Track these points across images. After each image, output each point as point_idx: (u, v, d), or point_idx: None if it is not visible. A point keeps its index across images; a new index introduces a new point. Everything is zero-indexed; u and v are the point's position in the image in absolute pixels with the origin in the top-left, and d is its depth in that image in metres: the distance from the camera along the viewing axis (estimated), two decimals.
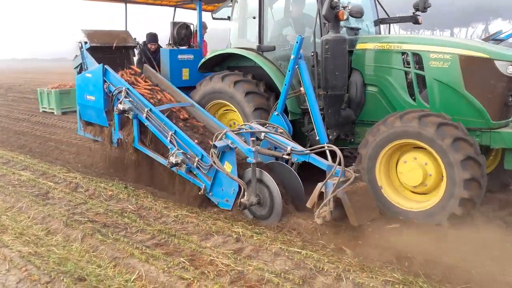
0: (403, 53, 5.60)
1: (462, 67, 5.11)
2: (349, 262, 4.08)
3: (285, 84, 5.60)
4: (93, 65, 7.12)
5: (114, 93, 6.71)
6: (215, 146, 5.24)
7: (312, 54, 5.86)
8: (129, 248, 4.48)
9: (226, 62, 7.19)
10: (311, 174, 5.10)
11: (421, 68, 5.45)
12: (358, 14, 5.32)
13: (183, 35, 7.60)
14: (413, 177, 4.98)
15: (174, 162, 5.72)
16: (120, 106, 6.36)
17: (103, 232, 4.91)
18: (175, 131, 5.99)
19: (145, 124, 6.36)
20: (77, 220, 5.22)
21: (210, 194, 5.66)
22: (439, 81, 5.29)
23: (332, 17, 5.22)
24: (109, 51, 7.66)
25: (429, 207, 4.91)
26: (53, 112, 14.25)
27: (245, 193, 5.10)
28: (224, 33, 7.36)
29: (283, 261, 4.14)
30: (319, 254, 4.23)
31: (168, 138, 6.02)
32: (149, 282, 3.89)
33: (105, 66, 6.91)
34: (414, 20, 6.54)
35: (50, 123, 12.61)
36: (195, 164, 5.73)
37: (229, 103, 6.53)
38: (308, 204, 4.79)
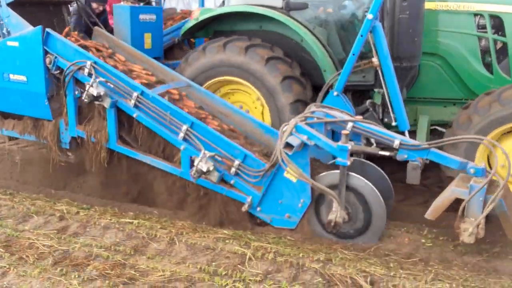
0: (475, 15, 4.61)
1: None
2: (182, 225, 4.12)
3: (353, 54, 4.18)
4: (23, 28, 4.71)
5: (68, 71, 4.50)
6: (289, 145, 3.65)
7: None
8: None
9: (212, 26, 5.41)
10: None
11: (501, 33, 4.54)
12: None
13: None
14: None
15: (205, 170, 3.95)
16: (93, 91, 4.22)
17: None
18: (192, 123, 4.16)
19: (133, 115, 4.37)
20: None
21: (258, 209, 4.07)
22: None
23: None
24: (30, 8, 5.23)
25: None
26: None
27: (337, 208, 3.66)
28: None
29: (113, 233, 3.99)
30: (152, 222, 4.17)
31: (182, 135, 4.17)
32: None
33: (47, 29, 4.60)
34: None
35: None
36: (232, 170, 4.05)
37: (250, 85, 4.83)
38: (431, 216, 3.57)
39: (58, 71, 4.62)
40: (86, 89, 4.24)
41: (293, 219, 3.98)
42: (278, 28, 5.05)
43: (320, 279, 3.26)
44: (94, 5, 5.65)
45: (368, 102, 4.70)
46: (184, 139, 4.18)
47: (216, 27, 5.37)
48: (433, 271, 3.36)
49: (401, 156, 3.66)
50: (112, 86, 4.36)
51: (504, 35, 4.51)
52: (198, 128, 4.15)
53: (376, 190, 3.71)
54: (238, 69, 4.79)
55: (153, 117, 4.29)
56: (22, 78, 4.74)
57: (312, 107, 4.12)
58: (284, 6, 4.81)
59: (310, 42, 4.70)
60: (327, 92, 4.55)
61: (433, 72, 4.80)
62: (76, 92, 4.61)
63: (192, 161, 4.19)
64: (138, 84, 4.36)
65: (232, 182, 4.09)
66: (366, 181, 3.73)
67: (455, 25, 4.66)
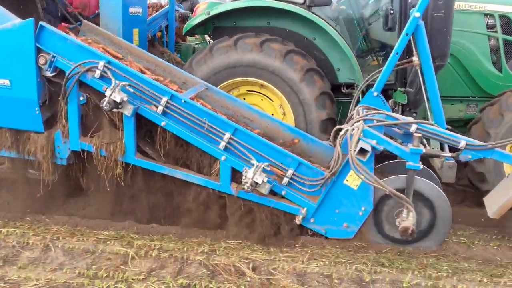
0: (486, 15, 4.77)
1: None
2: (57, 230, 3.91)
3: (396, 53, 4.05)
4: (5, 20, 3.82)
5: (72, 73, 3.78)
6: (363, 150, 3.41)
7: (392, 11, 4.45)
8: None
9: (211, 22, 4.94)
10: None
11: (510, 33, 4.74)
12: None
13: None
14: None
15: (260, 183, 3.56)
16: (116, 96, 3.58)
17: None
18: (235, 130, 3.73)
19: (160, 124, 3.79)
20: None
21: (312, 220, 3.78)
22: None
23: None
24: None
25: None
26: None
27: (410, 214, 3.52)
28: None
29: None
30: (23, 229, 3.91)
31: (223, 144, 3.72)
32: None
33: (41, 22, 3.81)
34: None
35: None
36: (284, 180, 3.71)
37: (268, 84, 4.50)
38: (496, 215, 3.61)
39: (55, 73, 3.87)
40: (108, 94, 3.57)
41: (352, 229, 3.76)
42: (288, 25, 4.79)
43: (204, 270, 3.33)
44: None
45: (390, 101, 4.64)
46: (225, 149, 3.74)
47: (217, 23, 4.92)
48: (309, 251, 3.62)
49: (464, 157, 3.62)
50: (131, 90, 3.74)
51: None
52: (242, 135, 3.73)
53: (443, 193, 3.65)
54: (255, 68, 4.45)
55: (186, 125, 3.77)
56: (3, 82, 3.87)
57: (360, 110, 3.93)
58: (309, 1, 4.53)
59: (338, 40, 4.50)
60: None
61: (444, 71, 4.86)
62: (81, 98, 3.90)
63: (233, 173, 3.79)
64: (166, 87, 3.79)
65: (283, 193, 3.75)
66: (433, 184, 3.66)
67: (466, 25, 4.77)
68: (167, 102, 3.73)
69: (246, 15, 4.79)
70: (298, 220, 3.76)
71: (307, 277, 3.28)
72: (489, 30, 4.79)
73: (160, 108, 3.74)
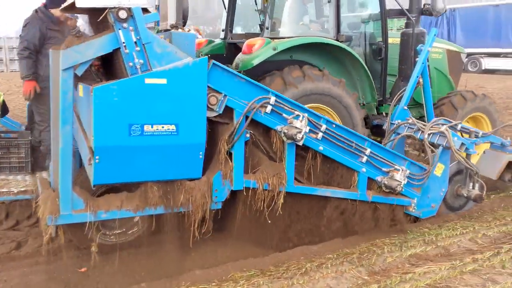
0: None
1: (448, 58, 6.98)
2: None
3: (417, 76, 5.44)
4: (175, 59, 3.40)
5: (247, 111, 3.73)
6: (462, 145, 4.70)
7: (384, 45, 5.87)
8: None
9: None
10: None
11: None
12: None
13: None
14: None
15: (406, 183, 4.44)
16: (307, 128, 3.80)
17: None
18: (372, 144, 4.42)
19: (318, 149, 4.13)
20: None
21: (415, 208, 4.84)
22: (436, 68, 6.88)
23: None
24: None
25: None
26: None
27: (476, 185, 5.01)
28: None
29: None
30: None
31: (365, 158, 4.37)
32: None
33: (213, 61, 3.59)
34: None
35: None
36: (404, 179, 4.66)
37: (323, 105, 5.23)
38: (497, 176, 5.48)
39: (220, 113, 3.72)
40: (303, 127, 3.77)
41: (435, 207, 4.96)
42: (306, 58, 5.57)
43: None
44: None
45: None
46: (368, 162, 4.39)
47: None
48: None
49: None
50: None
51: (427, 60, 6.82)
52: (376, 148, 4.45)
53: None
54: (327, 96, 5.19)
55: (336, 146, 4.23)
56: (169, 127, 3.46)
57: (411, 120, 5.16)
58: (344, 38, 5.44)
59: (365, 67, 5.59)
60: None
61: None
62: (247, 135, 3.85)
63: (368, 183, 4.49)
64: (321, 114, 4.15)
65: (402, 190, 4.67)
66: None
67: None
68: (326, 129, 4.12)
69: None
70: (413, 209, 4.74)
71: None
72: None
73: (320, 134, 4.10)
